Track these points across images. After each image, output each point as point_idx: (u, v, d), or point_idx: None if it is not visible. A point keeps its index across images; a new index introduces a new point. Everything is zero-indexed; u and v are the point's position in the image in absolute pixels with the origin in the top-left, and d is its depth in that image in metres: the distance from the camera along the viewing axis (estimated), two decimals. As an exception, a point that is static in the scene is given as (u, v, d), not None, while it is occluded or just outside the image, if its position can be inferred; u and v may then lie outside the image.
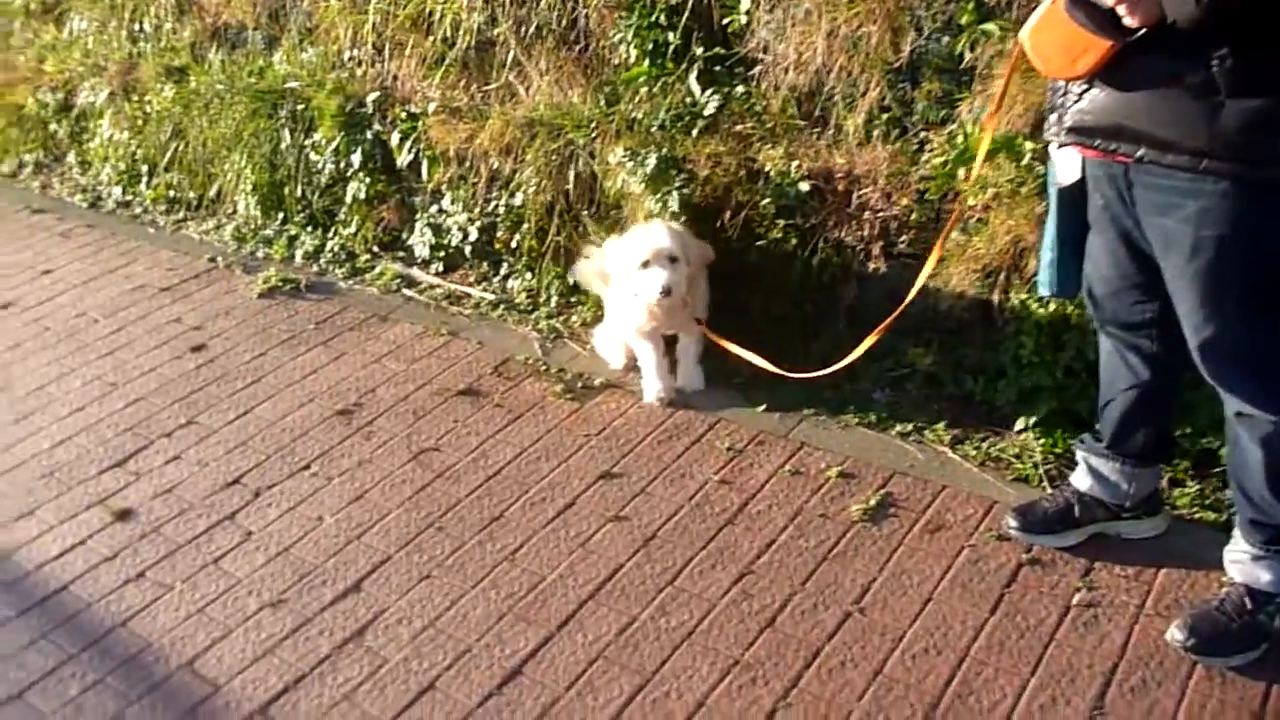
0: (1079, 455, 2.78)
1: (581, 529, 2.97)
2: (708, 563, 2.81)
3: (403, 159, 4.35)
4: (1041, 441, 3.11)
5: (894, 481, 3.05)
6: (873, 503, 2.96)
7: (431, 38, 4.22)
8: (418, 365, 3.85)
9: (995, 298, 3.18)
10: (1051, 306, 3.06)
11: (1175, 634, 2.41)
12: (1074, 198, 2.45)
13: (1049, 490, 2.90)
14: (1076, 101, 2.22)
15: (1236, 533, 2.46)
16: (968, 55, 3.17)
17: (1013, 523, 2.79)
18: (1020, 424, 3.16)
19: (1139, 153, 2.14)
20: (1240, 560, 2.43)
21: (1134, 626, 2.50)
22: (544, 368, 3.77)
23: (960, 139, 3.20)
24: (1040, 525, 2.76)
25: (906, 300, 2.84)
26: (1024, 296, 3.13)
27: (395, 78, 4.41)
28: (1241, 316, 2.19)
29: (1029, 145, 3.05)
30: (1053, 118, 2.32)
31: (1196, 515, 2.83)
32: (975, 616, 2.57)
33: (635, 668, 2.50)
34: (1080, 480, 2.77)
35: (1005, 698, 2.35)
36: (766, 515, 2.96)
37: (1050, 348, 3.07)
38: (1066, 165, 2.42)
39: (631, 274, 3.33)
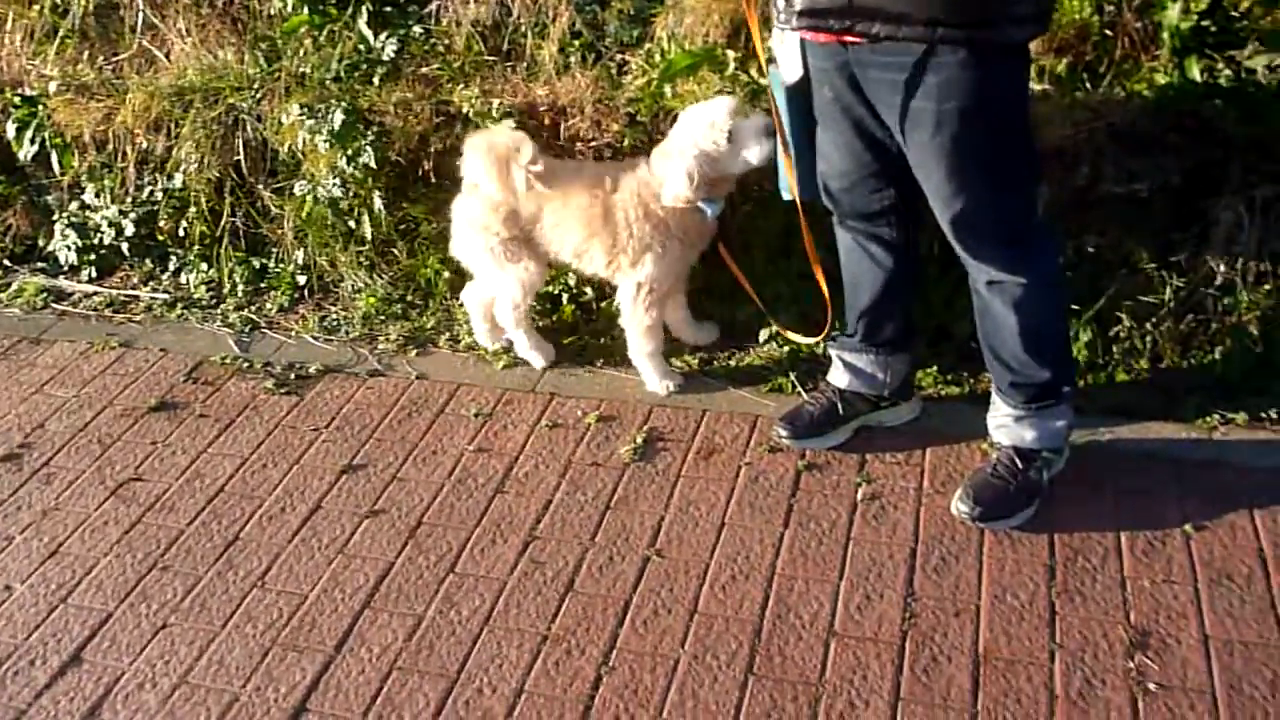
0: (833, 353, 2.79)
1: (335, 533, 2.65)
2: (486, 539, 2.58)
3: (25, 152, 3.69)
4: (786, 349, 3.11)
5: (655, 415, 2.95)
6: (639, 440, 2.84)
7: (37, 6, 3.60)
8: (91, 387, 3.30)
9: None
10: (771, 217, 3.05)
11: (960, 506, 2.48)
12: (800, 94, 2.41)
13: (807, 394, 2.91)
14: None
15: (996, 399, 2.54)
16: (654, -32, 3.08)
17: (782, 431, 2.77)
18: (764, 335, 3.14)
19: (874, 29, 2.09)
20: (1005, 424, 2.52)
21: (919, 509, 2.55)
22: (246, 364, 3.35)
23: (658, 56, 3.10)
24: (809, 429, 2.76)
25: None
26: (747, 208, 3.10)
27: (-3, 58, 3.74)
28: (988, 185, 2.22)
29: (731, 54, 3.00)
30: (779, 4, 2.24)
31: (943, 392, 2.94)
32: (771, 533, 2.52)
33: (437, 671, 2.24)
34: (838, 378, 2.79)
35: (823, 606, 2.31)
36: (536, 475, 2.77)
37: (780, 257, 3.07)
38: (789, 61, 2.36)
39: (718, 149, 2.72)
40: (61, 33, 3.60)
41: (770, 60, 2.47)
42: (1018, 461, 2.50)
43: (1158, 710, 2.04)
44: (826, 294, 2.60)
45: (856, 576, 2.38)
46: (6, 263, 3.92)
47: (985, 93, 2.11)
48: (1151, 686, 2.09)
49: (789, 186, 2.53)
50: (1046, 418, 2.50)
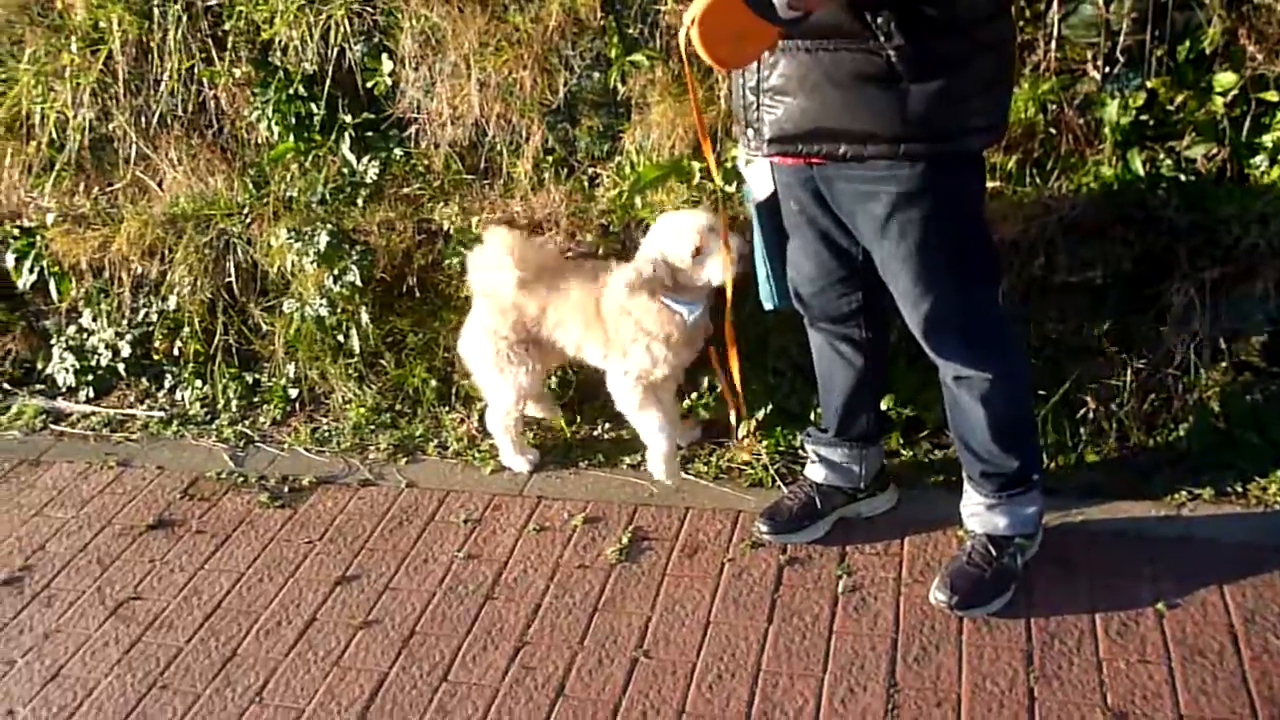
0: (809, 449, 2.88)
1: (330, 645, 2.70)
2: (478, 646, 2.64)
3: (24, 281, 3.82)
4: (765, 444, 3.20)
5: (639, 515, 3.03)
6: (625, 541, 2.91)
7: (35, 142, 3.74)
8: (90, 507, 3.38)
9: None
10: (748, 321, 3.16)
11: (938, 595, 2.54)
12: (771, 210, 2.54)
13: (786, 489, 2.99)
14: (770, 113, 2.28)
15: (968, 487, 2.63)
16: (621, 88, 3.22)
17: (763, 527, 2.84)
18: (742, 431, 3.23)
19: (840, 150, 2.22)
20: (977, 512, 2.60)
21: (899, 598, 2.61)
22: (241, 479, 3.43)
23: (628, 169, 3.24)
24: (789, 523, 2.83)
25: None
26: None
27: (-3, 192, 3.88)
28: (953, 285, 2.33)
29: (696, 165, 3.14)
30: (748, 134, 2.36)
31: (919, 480, 3.02)
32: (755, 629, 2.58)
33: (432, 781, 2.30)
34: (815, 472, 2.87)
35: (807, 702, 2.36)
36: (524, 580, 2.84)
37: (758, 352, 3.17)
38: (759, 180, 2.50)
39: (683, 262, 2.85)
40: (58, 166, 3.75)
41: (740, 179, 2.62)
42: (991, 549, 2.57)
43: (1136, 791, 2.09)
44: (738, 382, 2.73)
45: (840, 669, 2.44)
46: (6, 386, 4.03)
47: (945, 199, 2.24)
48: (1129, 767, 2.14)
49: (768, 295, 2.66)
50: (1018, 504, 2.58)
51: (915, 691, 2.36)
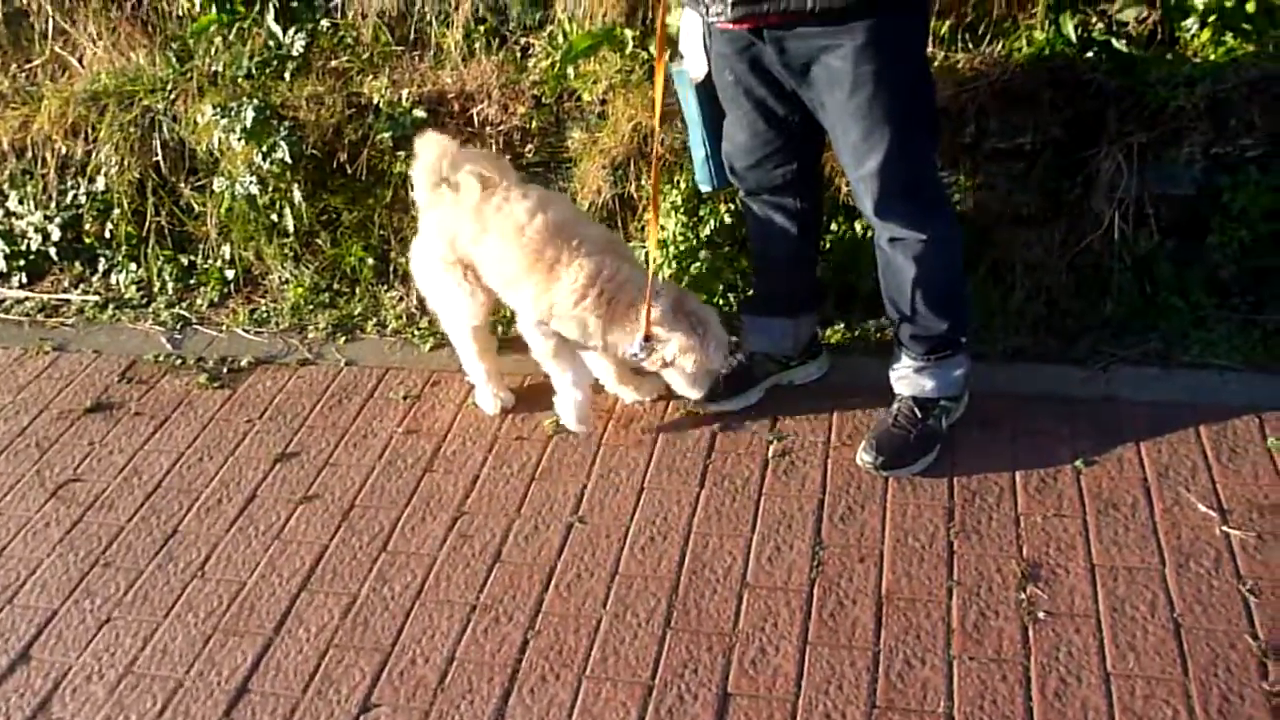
0: (744, 318, 2.91)
1: (271, 520, 2.74)
2: (416, 518, 2.69)
3: (-57, 163, 3.72)
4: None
5: (578, 387, 3.06)
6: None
7: (-54, 18, 3.61)
8: (26, 392, 3.36)
9: (630, 187, 3.21)
10: (683, 184, 3.15)
11: (864, 456, 2.61)
12: (708, 89, 2.52)
13: (721, 358, 3.02)
14: None
15: (896, 351, 2.68)
16: (551, -47, 3.15)
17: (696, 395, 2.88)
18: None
19: (809, 5, 2.19)
20: (905, 375, 2.65)
21: (827, 461, 2.68)
22: (179, 361, 3.42)
23: (561, 39, 3.18)
24: (722, 391, 2.87)
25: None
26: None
27: (-93, 71, 3.74)
28: (899, 141, 2.33)
29: (629, 34, 3.08)
30: (705, 2, 2.31)
31: (850, 346, 3.07)
32: (687, 494, 2.64)
33: (372, 646, 2.35)
34: (748, 341, 2.91)
35: (735, 560, 2.44)
36: (463, 453, 2.87)
37: (691, 225, 3.16)
38: (695, 58, 2.47)
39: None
40: (-29, 43, 3.63)
41: (673, 58, 2.57)
42: (917, 411, 2.63)
43: (1046, 636, 2.19)
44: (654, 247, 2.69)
45: (767, 529, 2.51)
46: (-66, 273, 3.95)
47: (900, 49, 2.26)
48: (1041, 615, 2.23)
49: (705, 177, 2.67)
50: (945, 367, 2.64)
51: (839, 548, 2.44)
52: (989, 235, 2.99)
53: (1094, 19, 2.87)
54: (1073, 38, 2.84)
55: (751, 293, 2.97)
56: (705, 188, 2.74)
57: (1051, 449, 2.64)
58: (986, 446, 2.67)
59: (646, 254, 2.73)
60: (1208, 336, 2.89)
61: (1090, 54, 2.82)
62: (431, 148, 2.74)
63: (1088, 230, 2.96)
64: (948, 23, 2.94)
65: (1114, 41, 2.83)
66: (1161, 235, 2.95)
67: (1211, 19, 2.80)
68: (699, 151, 2.66)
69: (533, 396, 3.03)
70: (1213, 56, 2.79)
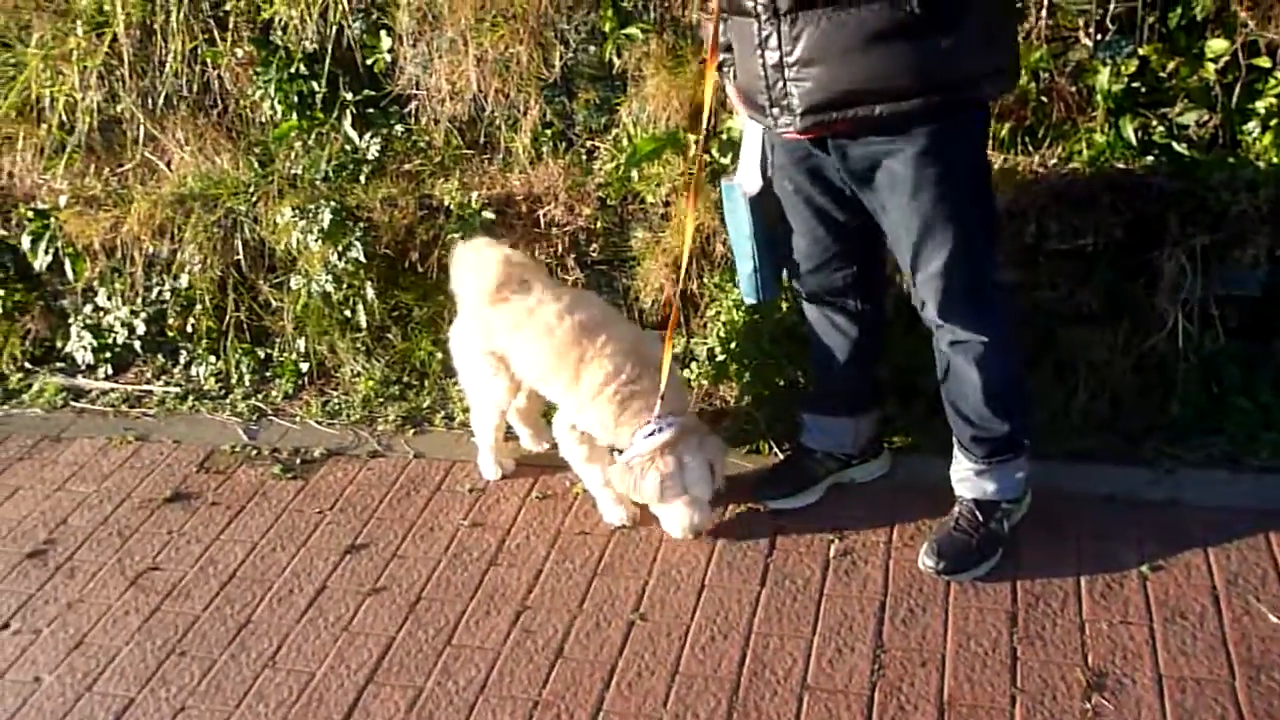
0: (805, 417, 2.94)
1: (340, 612, 2.80)
2: (481, 611, 2.73)
3: (40, 262, 3.92)
4: (762, 412, 3.25)
5: (640, 482, 3.10)
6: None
7: (45, 125, 3.82)
8: (110, 481, 3.48)
9: (693, 286, 3.29)
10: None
11: (925, 560, 2.61)
12: (763, 202, 2.59)
13: (781, 455, 3.05)
14: (799, 86, 2.26)
15: (957, 453, 2.68)
16: (616, 61, 3.26)
17: (758, 493, 2.91)
18: (739, 399, 3.29)
19: (876, 111, 2.23)
20: (966, 478, 2.66)
21: (889, 561, 2.68)
22: (255, 452, 3.53)
23: (625, 141, 3.29)
24: (783, 489, 2.90)
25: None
26: (716, 279, 3.26)
27: (10, 175, 3.95)
28: (960, 243, 2.37)
29: (691, 138, 3.18)
30: (773, 113, 2.35)
31: (911, 444, 3.08)
32: (748, 593, 2.65)
33: (435, 741, 2.39)
34: (809, 438, 2.94)
35: (796, 662, 2.44)
36: (527, 547, 2.92)
37: (749, 324, 3.21)
38: (750, 175, 2.55)
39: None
40: (69, 148, 3.84)
41: (726, 177, 2.67)
42: (979, 514, 2.63)
43: (1113, 747, 2.16)
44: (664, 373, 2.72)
45: (829, 631, 2.51)
46: (27, 365, 4.14)
47: (962, 152, 2.31)
48: (1107, 725, 2.21)
49: (751, 290, 2.73)
50: (1007, 470, 2.64)
51: (901, 652, 2.43)
52: (1052, 335, 3.00)
53: (1154, 122, 2.91)
54: (1133, 140, 2.88)
55: (813, 390, 3.01)
56: (750, 300, 2.79)
57: (1116, 553, 2.62)
58: (1050, 549, 2.65)
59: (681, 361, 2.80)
60: (1277, 439, 2.86)
61: (1150, 157, 2.85)
62: (492, 262, 2.91)
63: (1152, 330, 2.96)
64: (1007, 125, 2.99)
65: (1174, 145, 2.86)
66: (1228, 336, 2.94)
67: (1273, 123, 2.82)
68: (746, 265, 2.70)
69: (595, 491, 3.08)
70: (1275, 160, 2.80)
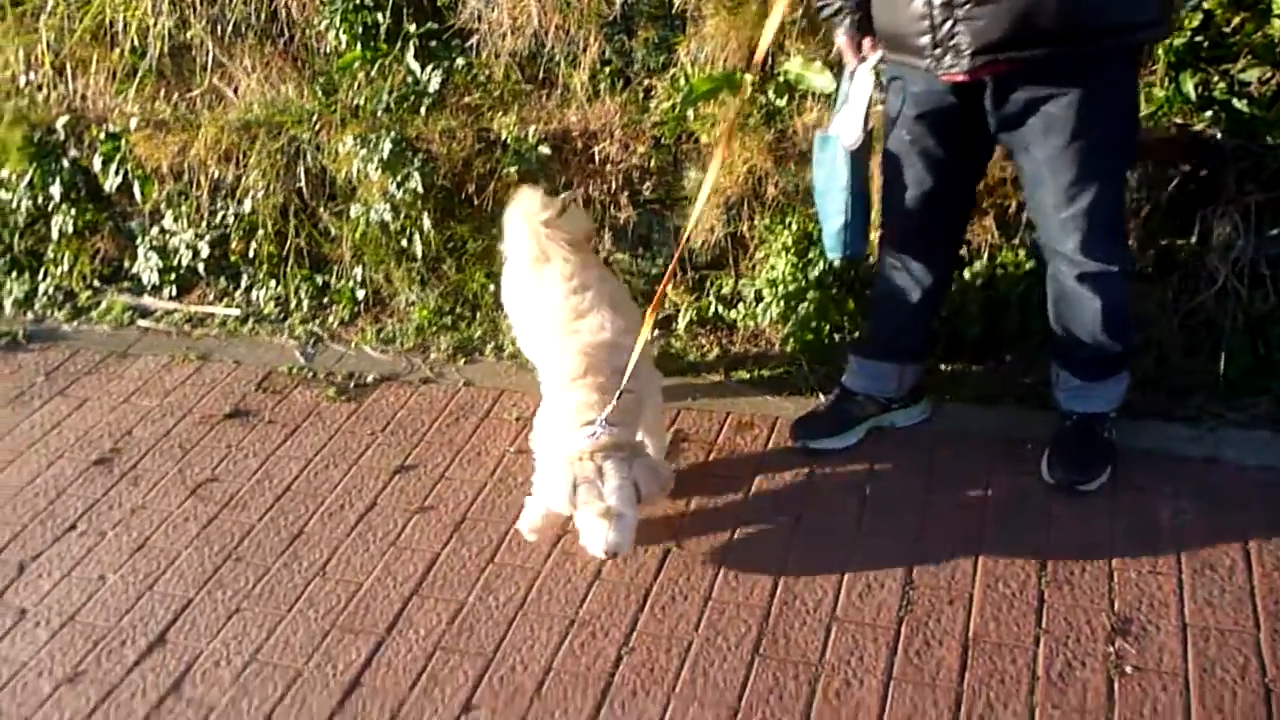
0: (851, 358, 2.98)
1: (388, 528, 2.91)
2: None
3: (110, 183, 4.04)
4: (806, 354, 3.29)
5: (681, 418, 3.16)
6: (666, 440, 3.06)
7: (118, 49, 3.92)
8: (172, 397, 3.62)
9: (744, 227, 3.32)
10: (794, 226, 3.24)
11: (1054, 474, 2.72)
12: (860, 157, 2.60)
13: (824, 397, 3.09)
14: (973, 23, 2.23)
15: (1063, 374, 2.76)
16: (676, 1, 3.27)
17: (798, 432, 2.96)
18: (784, 340, 3.33)
19: (1054, 52, 2.22)
20: (1078, 393, 2.75)
21: (925, 506, 2.73)
22: (310, 374, 3.64)
23: (682, 81, 3.31)
24: (823, 430, 2.95)
25: (685, 236, 2.92)
26: (767, 220, 3.29)
27: (84, 97, 4.06)
28: (1109, 184, 2.43)
29: (748, 78, 3.19)
30: (935, 54, 2.32)
31: (952, 392, 3.11)
32: (783, 527, 2.72)
33: (475, 651, 2.49)
34: (852, 380, 2.98)
35: (826, 595, 2.51)
36: (569, 475, 3.00)
37: (801, 265, 3.25)
38: (852, 128, 2.54)
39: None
40: (140, 73, 3.93)
41: (821, 129, 2.68)
42: (1093, 425, 2.73)
43: (1132, 691, 2.20)
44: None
45: (859, 568, 2.57)
46: (96, 283, 4.28)
47: (1120, 101, 2.35)
48: (1128, 669, 2.25)
49: (838, 245, 2.70)
50: (1115, 382, 2.74)
51: (930, 590, 2.49)
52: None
53: (1215, 78, 2.87)
54: (1192, 96, 2.85)
55: (864, 334, 3.04)
56: (835, 255, 2.76)
57: (1151, 506, 2.64)
58: (1084, 500, 2.68)
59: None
60: (1322, 402, 2.85)
61: (1209, 113, 2.83)
62: (525, 234, 2.92)
63: (1201, 288, 2.95)
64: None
65: (1234, 101, 2.82)
66: (1278, 297, 2.92)
67: (1337, 81, 2.79)
68: (837, 220, 2.66)
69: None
70: (1336, 119, 2.77)
